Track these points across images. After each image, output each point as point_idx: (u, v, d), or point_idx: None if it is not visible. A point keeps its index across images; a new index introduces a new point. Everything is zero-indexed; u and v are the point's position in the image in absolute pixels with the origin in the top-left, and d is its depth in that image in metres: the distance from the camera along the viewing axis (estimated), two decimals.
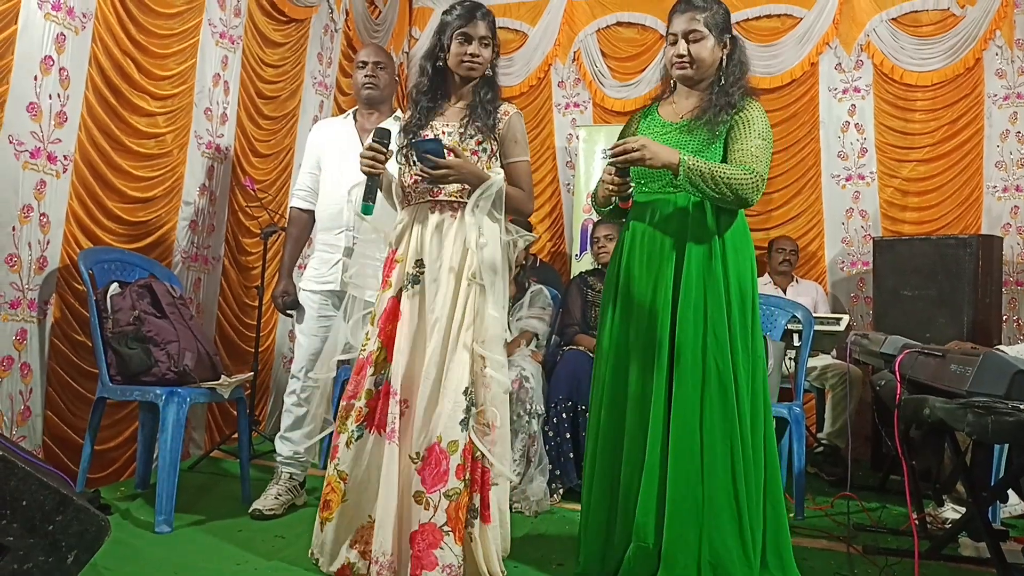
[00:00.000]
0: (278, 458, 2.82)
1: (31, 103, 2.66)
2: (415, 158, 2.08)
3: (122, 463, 3.10)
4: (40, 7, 2.66)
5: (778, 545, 2.04)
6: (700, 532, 1.93)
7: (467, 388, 2.04)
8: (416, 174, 2.11)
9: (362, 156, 2.09)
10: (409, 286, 2.11)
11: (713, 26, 2.06)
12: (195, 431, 3.54)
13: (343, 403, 2.15)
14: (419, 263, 2.12)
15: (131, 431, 3.09)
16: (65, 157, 2.81)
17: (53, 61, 2.73)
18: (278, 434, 2.85)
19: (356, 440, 2.08)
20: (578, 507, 2.27)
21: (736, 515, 1.94)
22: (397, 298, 2.13)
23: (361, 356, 2.16)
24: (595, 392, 2.18)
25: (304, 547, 2.26)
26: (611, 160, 1.98)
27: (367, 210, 2.07)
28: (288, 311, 2.93)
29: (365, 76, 2.85)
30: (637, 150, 1.92)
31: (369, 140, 2.13)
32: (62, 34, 2.75)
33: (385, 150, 2.10)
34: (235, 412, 3.13)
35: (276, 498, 2.72)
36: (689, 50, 2.06)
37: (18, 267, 2.66)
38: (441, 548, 1.95)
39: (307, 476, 2.87)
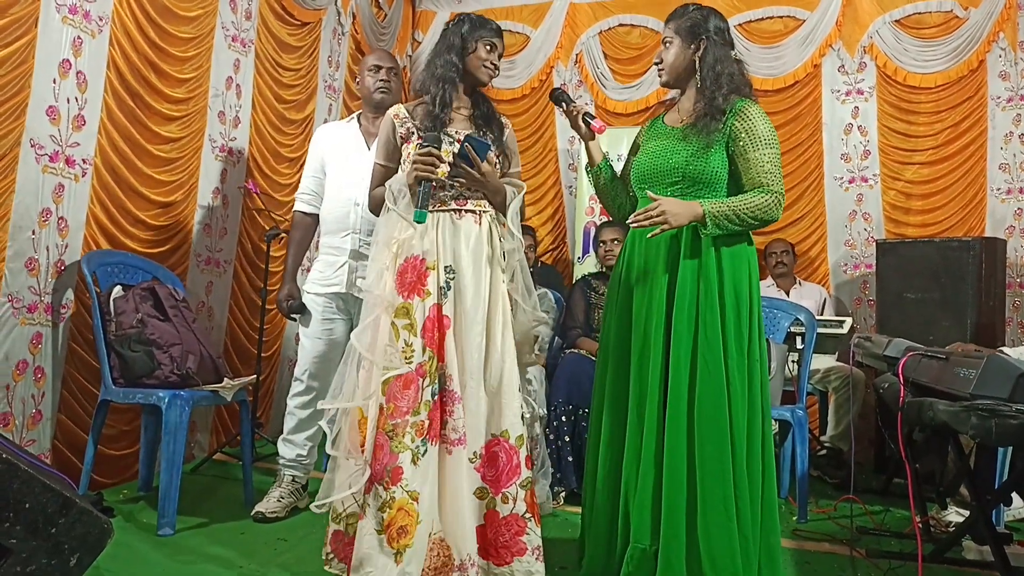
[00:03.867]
0: (280, 461, 2.83)
1: (50, 107, 2.67)
2: (458, 149, 2.06)
3: (132, 468, 3.09)
4: (58, 11, 2.67)
5: (770, 550, 2.02)
6: (694, 534, 1.93)
7: (519, 385, 2.12)
8: (453, 163, 2.07)
9: (416, 162, 2.06)
10: (445, 293, 2.10)
11: (681, 29, 2.13)
12: (200, 434, 3.54)
13: (392, 421, 1.98)
14: (448, 269, 2.11)
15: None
16: (84, 160, 2.82)
17: (71, 64, 2.74)
18: (281, 437, 2.85)
19: (423, 456, 1.98)
20: (579, 510, 2.27)
21: (729, 518, 1.93)
22: (439, 305, 2.10)
23: (408, 370, 2.03)
24: (596, 396, 2.20)
25: (307, 550, 2.26)
26: (632, 222, 2.02)
27: (421, 217, 2.04)
28: (292, 315, 2.93)
29: (380, 81, 2.85)
30: (659, 215, 1.96)
31: (424, 146, 2.08)
32: (79, 38, 2.76)
33: (440, 154, 2.08)
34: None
35: (279, 500, 2.73)
36: (662, 56, 2.17)
37: (36, 271, 2.66)
38: (527, 534, 2.04)
39: (309, 479, 2.87)
